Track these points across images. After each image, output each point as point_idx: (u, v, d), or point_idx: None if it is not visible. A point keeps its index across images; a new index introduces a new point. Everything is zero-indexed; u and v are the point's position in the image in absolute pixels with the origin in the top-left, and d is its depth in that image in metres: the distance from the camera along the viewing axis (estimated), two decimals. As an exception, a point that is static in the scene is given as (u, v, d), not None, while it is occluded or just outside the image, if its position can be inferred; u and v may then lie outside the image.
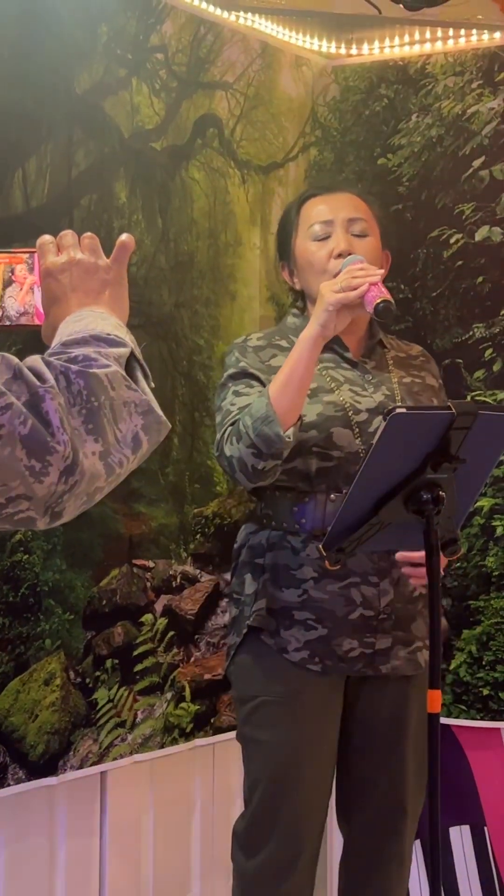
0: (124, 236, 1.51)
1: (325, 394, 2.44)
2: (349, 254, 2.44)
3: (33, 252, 1.51)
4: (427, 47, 3.32)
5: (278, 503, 2.46)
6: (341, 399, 2.44)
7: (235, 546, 2.57)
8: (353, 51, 3.41)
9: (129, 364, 1.31)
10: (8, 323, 1.53)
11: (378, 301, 2.28)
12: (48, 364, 1.22)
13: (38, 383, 1.19)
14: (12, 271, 1.52)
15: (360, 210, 2.54)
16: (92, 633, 2.78)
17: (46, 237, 1.49)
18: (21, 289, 1.51)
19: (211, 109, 3.13)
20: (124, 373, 1.27)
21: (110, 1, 2.82)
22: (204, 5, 3.08)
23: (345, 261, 2.42)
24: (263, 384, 2.41)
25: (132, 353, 1.32)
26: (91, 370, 1.22)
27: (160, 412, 1.29)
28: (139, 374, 1.30)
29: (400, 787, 2.49)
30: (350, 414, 2.42)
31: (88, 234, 1.49)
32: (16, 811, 2.67)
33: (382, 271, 2.38)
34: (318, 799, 2.47)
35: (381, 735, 2.49)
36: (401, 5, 3.10)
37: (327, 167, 3.45)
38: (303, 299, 2.58)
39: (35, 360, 1.23)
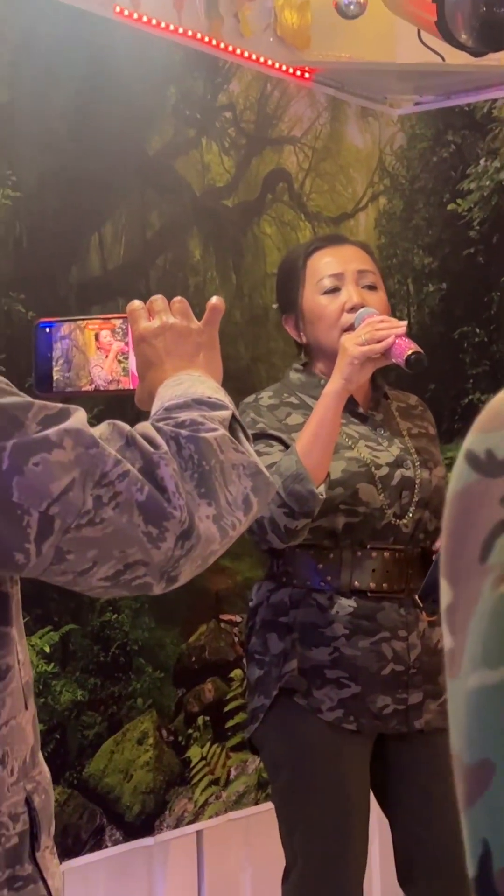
0: (214, 299, 1.52)
1: (346, 450, 2.43)
2: (361, 307, 2.45)
3: (124, 317, 1.51)
4: (493, 92, 3.36)
5: (299, 560, 2.43)
6: (361, 455, 2.44)
7: (251, 604, 2.52)
8: (419, 99, 3.46)
9: (231, 426, 1.32)
10: (101, 389, 1.54)
11: (409, 353, 2.29)
12: (158, 430, 1.24)
13: (151, 449, 1.20)
14: (96, 337, 1.53)
15: (367, 263, 2.53)
16: (182, 691, 2.81)
17: (136, 303, 1.51)
18: (107, 356, 1.52)
19: (280, 164, 3.19)
20: (230, 435, 1.29)
21: (177, 63, 2.89)
22: (270, 62, 3.15)
23: (358, 314, 2.41)
24: (285, 444, 2.40)
25: (233, 415, 1.34)
26: (200, 434, 1.24)
27: (267, 473, 1.31)
28: (241, 436, 1.32)
29: (457, 842, 2.42)
30: (372, 469, 2.42)
31: (178, 298, 1.51)
32: (114, 872, 2.69)
33: (405, 323, 2.37)
34: (363, 855, 2.44)
35: (426, 793, 2.44)
36: (465, 52, 3.15)
37: (397, 215, 3.49)
38: (307, 353, 2.59)
39: (145, 426, 1.25)
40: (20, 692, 1.25)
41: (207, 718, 2.87)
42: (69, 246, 2.62)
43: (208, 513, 1.22)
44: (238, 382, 3.06)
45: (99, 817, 2.59)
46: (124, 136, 2.74)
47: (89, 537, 1.16)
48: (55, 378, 1.53)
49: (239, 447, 1.29)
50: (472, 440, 0.62)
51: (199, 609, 2.89)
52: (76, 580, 1.19)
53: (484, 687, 0.57)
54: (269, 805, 3.01)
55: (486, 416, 0.62)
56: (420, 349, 2.31)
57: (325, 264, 2.52)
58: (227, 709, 2.93)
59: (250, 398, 2.54)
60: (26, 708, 1.27)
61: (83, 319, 1.55)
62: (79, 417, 1.19)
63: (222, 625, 2.96)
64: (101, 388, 1.52)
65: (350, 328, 2.41)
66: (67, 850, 2.53)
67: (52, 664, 2.53)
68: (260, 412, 2.48)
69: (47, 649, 2.52)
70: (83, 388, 1.52)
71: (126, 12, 2.80)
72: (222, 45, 3.01)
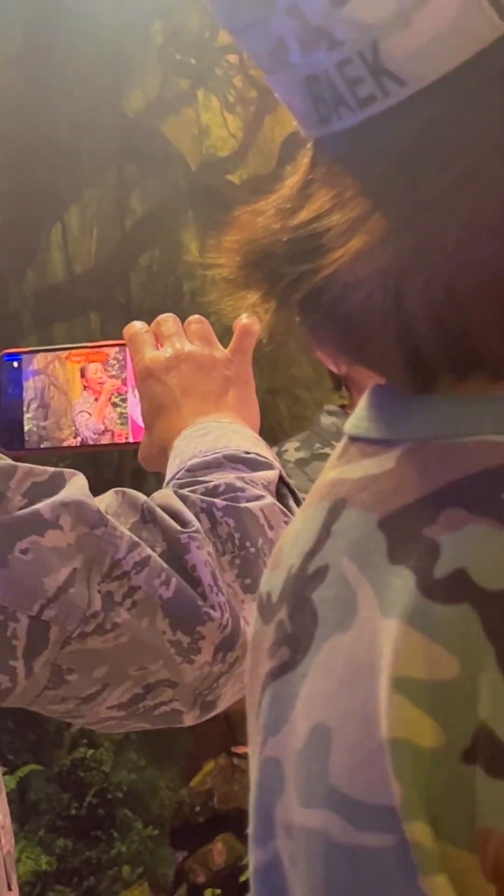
0: (244, 318, 1.48)
1: None
2: None
3: (122, 345, 1.50)
4: None
5: None
6: None
7: None
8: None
9: (278, 490, 1.31)
10: (90, 443, 1.52)
11: None
12: (184, 499, 1.23)
13: (177, 527, 1.20)
14: (82, 373, 1.52)
15: None
16: (184, 854, 2.80)
17: (137, 324, 1.48)
18: (97, 399, 1.52)
19: (304, 124, 3.22)
20: (280, 504, 1.28)
21: (163, -11, 2.92)
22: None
23: None
24: None
25: (280, 476, 1.33)
26: (241, 504, 1.24)
27: None
28: (292, 503, 1.31)
29: None
30: None
31: (196, 317, 1.50)
32: None
33: None
34: None
35: None
36: None
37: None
38: (347, 387, 2.63)
39: (167, 495, 1.24)
40: (1, 868, 1.25)
41: (218, 892, 2.86)
42: (22, 242, 2.64)
43: None
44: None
45: None
46: (94, 90, 2.76)
47: (97, 650, 1.16)
48: (27, 429, 1.53)
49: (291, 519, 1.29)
50: (263, 579, 0.73)
51: (204, 739, 2.88)
52: (79, 709, 1.19)
53: (257, 868, 0.66)
54: None
55: (274, 551, 0.72)
56: None
57: None
58: (244, 877, 2.93)
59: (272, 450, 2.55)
60: (9, 889, 1.27)
61: (65, 349, 1.54)
62: (78, 485, 1.20)
63: (235, 760, 2.96)
64: (90, 443, 1.52)
65: None
66: None
67: (7, 820, 2.53)
68: (286, 469, 2.49)
69: None
70: (65, 443, 1.52)
71: None
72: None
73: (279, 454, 2.53)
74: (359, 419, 0.74)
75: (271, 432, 3.13)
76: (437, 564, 0.62)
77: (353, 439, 0.73)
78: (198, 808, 2.84)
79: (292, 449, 2.56)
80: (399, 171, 0.64)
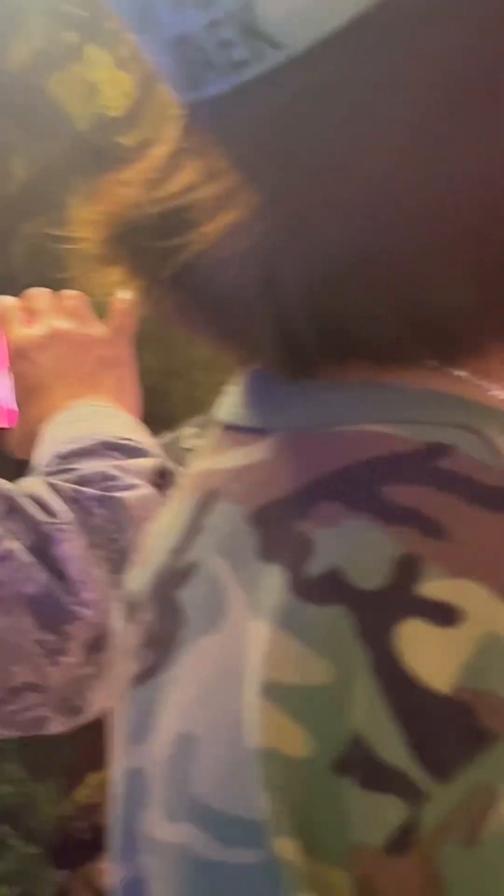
0: (123, 295, 1.51)
1: None
2: None
3: None
4: None
5: None
6: None
7: None
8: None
9: (157, 480, 1.32)
10: None
11: None
12: (52, 488, 1.23)
13: (45, 519, 1.19)
14: None
15: None
16: (66, 873, 2.76)
17: (7, 300, 1.51)
18: None
19: (202, 83, 3.18)
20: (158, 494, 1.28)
21: None
22: None
23: None
24: None
25: (160, 465, 1.34)
26: (114, 494, 1.23)
27: None
28: None
29: None
30: None
31: (72, 291, 1.52)
32: None
33: None
34: None
35: None
36: None
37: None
38: None
39: (34, 484, 1.23)
40: None
41: (105, 914, 2.80)
42: None
43: None
44: (143, 408, 3.04)
45: None
46: (-30, 41, 2.71)
47: None
48: None
49: None
50: (129, 576, 0.73)
51: (89, 749, 2.83)
52: None
53: (120, 885, 0.66)
54: None
55: (142, 546, 0.74)
56: None
57: None
58: (134, 898, 2.88)
59: (165, 439, 2.55)
60: None
61: None
62: None
63: (124, 771, 2.91)
64: None
65: None
66: None
67: None
68: (182, 458, 2.49)
69: None
70: None
71: None
72: None
73: (174, 441, 2.54)
74: (233, 406, 0.73)
75: (167, 418, 3.07)
76: (311, 562, 0.61)
77: (227, 427, 0.72)
78: (84, 824, 2.83)
79: (188, 436, 2.55)
80: (273, 142, 0.64)
